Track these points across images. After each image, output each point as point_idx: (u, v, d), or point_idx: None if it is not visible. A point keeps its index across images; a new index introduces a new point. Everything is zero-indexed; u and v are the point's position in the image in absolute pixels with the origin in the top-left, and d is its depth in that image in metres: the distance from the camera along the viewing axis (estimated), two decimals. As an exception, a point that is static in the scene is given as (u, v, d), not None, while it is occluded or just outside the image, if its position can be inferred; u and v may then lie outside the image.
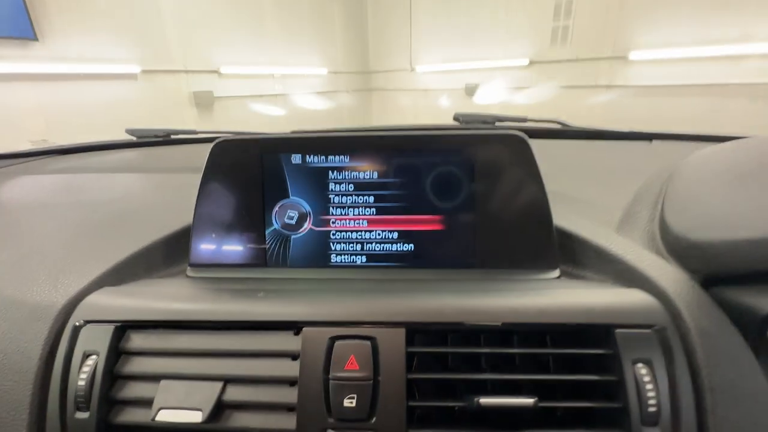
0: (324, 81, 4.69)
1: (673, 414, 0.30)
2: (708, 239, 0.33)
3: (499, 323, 0.33)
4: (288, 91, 4.25)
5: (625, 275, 0.37)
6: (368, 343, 0.32)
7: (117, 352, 0.35)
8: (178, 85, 3.31)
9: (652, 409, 0.29)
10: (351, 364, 0.32)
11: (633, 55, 3.21)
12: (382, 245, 0.42)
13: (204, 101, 3.48)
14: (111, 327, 0.35)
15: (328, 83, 4.72)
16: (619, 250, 0.38)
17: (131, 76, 2.99)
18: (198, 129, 0.96)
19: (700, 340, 0.31)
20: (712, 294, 0.34)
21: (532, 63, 3.81)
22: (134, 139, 0.98)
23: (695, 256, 0.34)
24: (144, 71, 3.03)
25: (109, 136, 1.03)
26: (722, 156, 0.41)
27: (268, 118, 4.01)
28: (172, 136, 0.96)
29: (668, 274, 0.35)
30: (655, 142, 0.77)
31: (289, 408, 0.32)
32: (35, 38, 2.42)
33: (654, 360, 0.31)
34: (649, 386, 0.30)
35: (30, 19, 2.37)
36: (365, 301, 0.35)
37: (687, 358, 0.31)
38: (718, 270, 0.33)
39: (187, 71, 3.34)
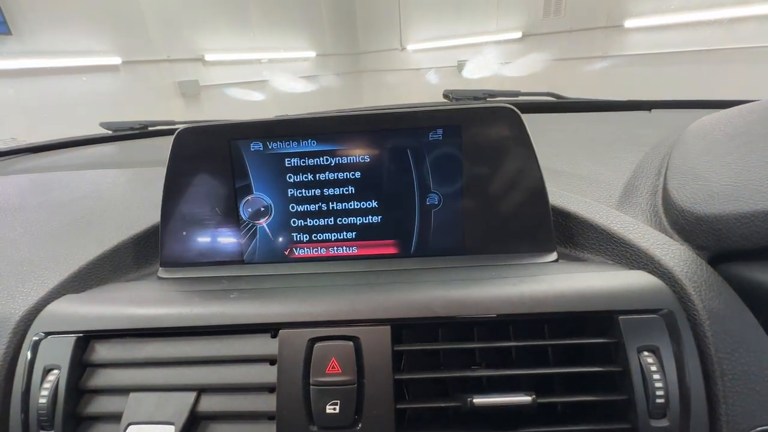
0: (313, 64, 4.57)
1: (682, 405, 0.27)
2: (715, 212, 0.30)
3: (494, 315, 0.30)
4: (276, 76, 4.15)
5: (628, 255, 0.34)
6: (350, 343, 0.30)
7: (81, 364, 0.32)
8: (162, 75, 3.22)
9: (659, 401, 0.27)
10: (332, 368, 0.29)
11: (629, 23, 3.12)
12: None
13: (190, 91, 3.39)
14: (72, 338, 0.32)
15: (317, 66, 4.61)
16: (620, 229, 0.35)
17: (113, 68, 2.90)
18: (186, 119, 0.90)
19: (710, 322, 0.29)
20: (721, 271, 0.31)
21: (525, 36, 3.71)
22: (110, 133, 0.93)
23: (702, 231, 0.31)
24: (126, 62, 2.93)
25: (93, 132, 0.98)
26: (726, 123, 0.38)
27: (256, 105, 3.92)
28: (150, 128, 0.92)
29: (674, 253, 0.32)
30: (655, 111, 0.74)
31: (268, 417, 0.30)
32: (9, 32, 2.33)
33: (661, 347, 0.28)
34: (657, 376, 0.28)
35: (2, 12, 2.27)
36: (346, 299, 0.32)
37: (696, 342, 0.29)
38: (727, 245, 0.30)
39: (170, 60, 3.24)
